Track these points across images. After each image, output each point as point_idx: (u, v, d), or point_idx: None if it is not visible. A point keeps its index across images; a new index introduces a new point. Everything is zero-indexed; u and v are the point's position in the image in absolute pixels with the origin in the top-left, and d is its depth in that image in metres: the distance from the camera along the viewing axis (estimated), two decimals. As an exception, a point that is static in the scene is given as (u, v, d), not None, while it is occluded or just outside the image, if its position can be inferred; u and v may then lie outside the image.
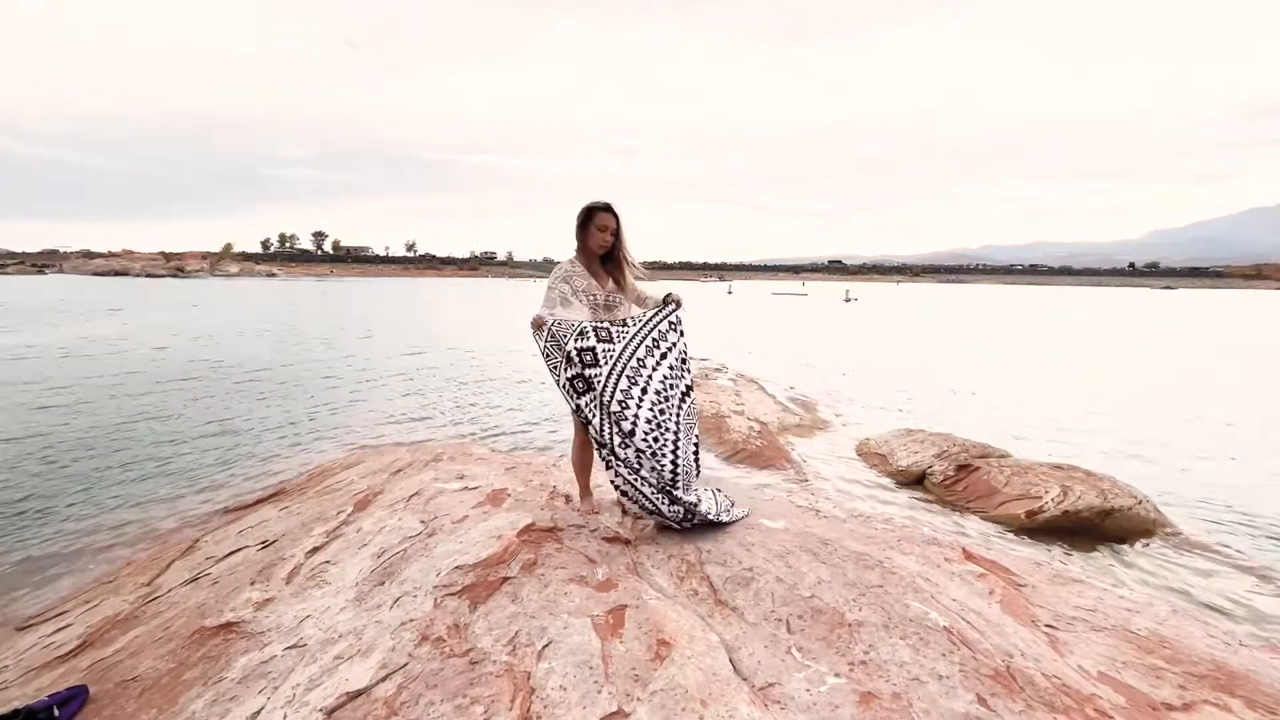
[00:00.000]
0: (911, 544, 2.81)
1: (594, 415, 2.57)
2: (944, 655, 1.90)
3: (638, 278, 2.80)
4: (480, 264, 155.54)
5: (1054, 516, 4.56)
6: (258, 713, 1.88)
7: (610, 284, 2.73)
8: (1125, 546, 4.34)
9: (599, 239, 2.64)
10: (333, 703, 1.82)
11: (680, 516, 2.68)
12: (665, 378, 2.59)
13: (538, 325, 2.57)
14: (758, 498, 3.62)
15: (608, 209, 2.64)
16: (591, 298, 2.68)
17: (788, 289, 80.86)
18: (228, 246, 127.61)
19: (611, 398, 2.53)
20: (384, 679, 1.89)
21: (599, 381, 2.54)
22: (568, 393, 2.58)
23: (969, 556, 2.72)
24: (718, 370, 11.21)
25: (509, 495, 3.23)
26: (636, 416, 2.54)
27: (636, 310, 2.76)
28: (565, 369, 2.55)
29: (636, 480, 2.62)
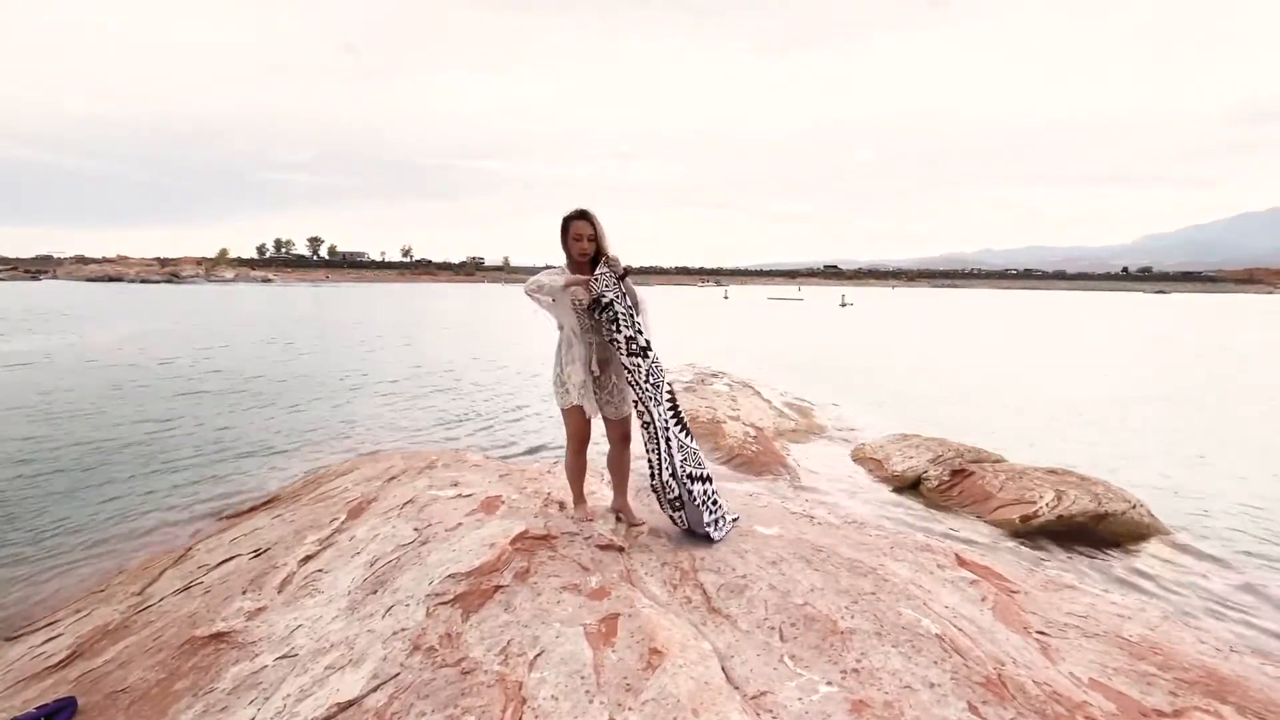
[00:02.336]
0: (905, 550, 2.82)
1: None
2: (936, 663, 1.90)
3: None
4: (477, 269, 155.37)
5: (1048, 521, 4.57)
6: (248, 724, 1.87)
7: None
8: (1119, 551, 4.35)
9: (577, 247, 2.69)
10: (323, 714, 1.81)
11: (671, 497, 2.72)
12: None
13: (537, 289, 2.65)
14: (752, 504, 3.62)
15: (582, 216, 2.68)
16: (580, 302, 2.70)
17: (784, 294, 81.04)
18: (223, 252, 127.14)
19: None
20: (375, 689, 1.88)
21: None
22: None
23: (962, 562, 2.73)
24: (714, 375, 11.21)
25: (503, 502, 3.23)
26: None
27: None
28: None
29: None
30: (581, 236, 2.67)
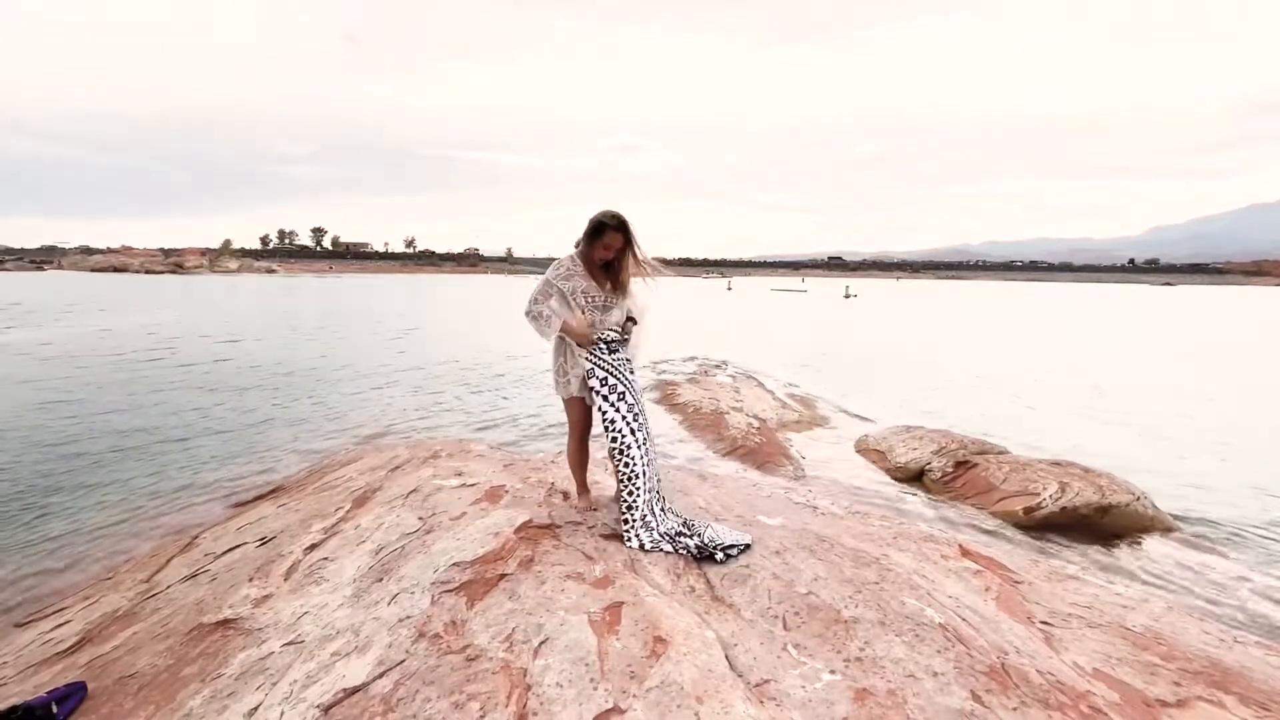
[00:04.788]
0: (908, 541, 2.82)
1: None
2: (939, 652, 1.91)
3: (647, 275, 2.82)
4: (480, 260, 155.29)
5: (1052, 513, 4.57)
6: (255, 709, 1.89)
7: (608, 285, 2.78)
8: (1122, 542, 4.35)
9: (601, 254, 2.69)
10: (330, 699, 1.83)
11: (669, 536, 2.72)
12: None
13: (537, 317, 2.71)
14: (756, 495, 3.62)
15: (618, 228, 2.65)
16: (590, 298, 2.73)
17: (787, 285, 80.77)
18: (227, 243, 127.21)
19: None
20: (381, 676, 1.89)
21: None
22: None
23: (966, 553, 2.73)
24: (717, 367, 11.21)
25: (507, 492, 3.24)
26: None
27: (622, 315, 2.83)
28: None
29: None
30: (610, 247, 2.66)
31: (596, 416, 2.79)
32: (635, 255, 2.72)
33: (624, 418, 2.69)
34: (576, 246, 2.76)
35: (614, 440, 2.68)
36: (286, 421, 7.58)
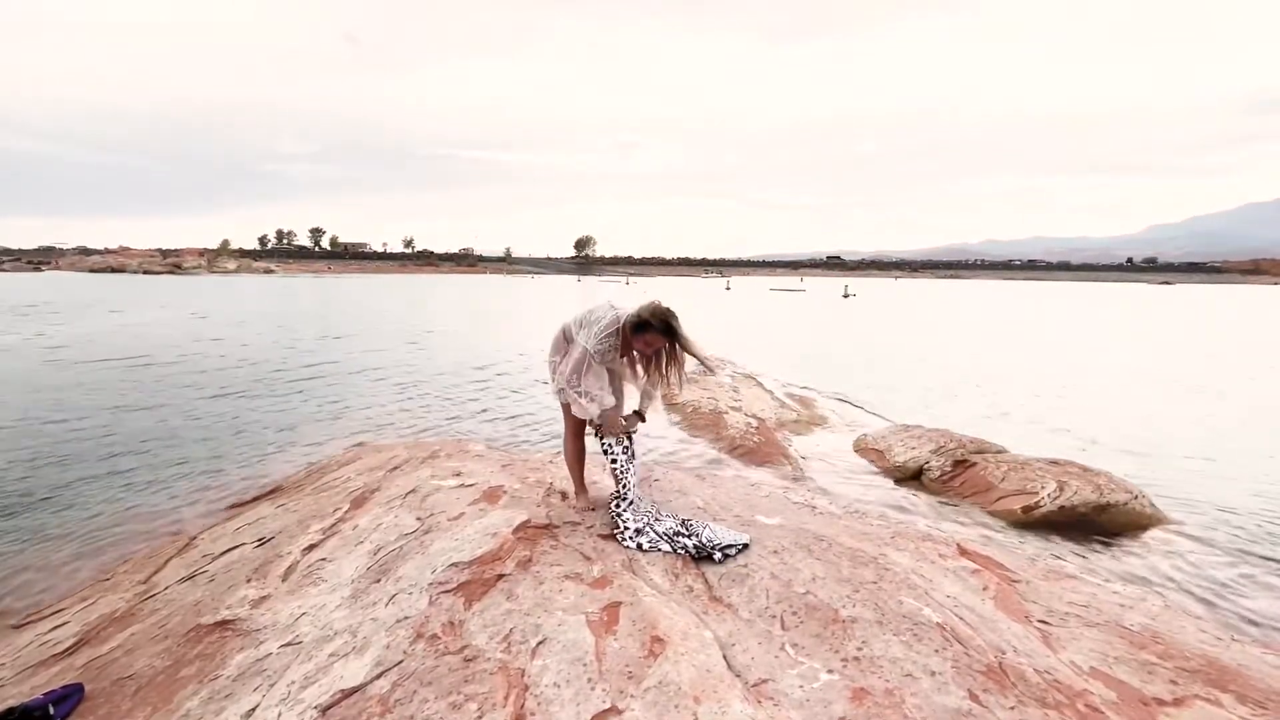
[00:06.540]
0: (907, 540, 2.82)
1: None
2: (937, 651, 1.91)
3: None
4: (478, 260, 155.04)
5: (1050, 512, 4.57)
6: (253, 710, 1.89)
7: (628, 359, 2.82)
8: (1121, 541, 4.35)
9: (641, 347, 2.64)
10: (328, 700, 1.83)
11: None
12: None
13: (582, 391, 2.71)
14: (754, 494, 3.62)
15: (663, 332, 2.55)
16: (605, 363, 2.76)
17: (786, 284, 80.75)
18: (225, 243, 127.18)
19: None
20: (379, 676, 1.89)
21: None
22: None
23: (964, 552, 2.73)
24: (716, 366, 11.21)
25: (505, 492, 3.24)
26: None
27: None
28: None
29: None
30: (652, 345, 2.60)
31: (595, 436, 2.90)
32: (689, 350, 2.62)
33: (620, 443, 2.80)
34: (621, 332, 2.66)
35: (613, 462, 2.82)
36: (284, 422, 7.57)
